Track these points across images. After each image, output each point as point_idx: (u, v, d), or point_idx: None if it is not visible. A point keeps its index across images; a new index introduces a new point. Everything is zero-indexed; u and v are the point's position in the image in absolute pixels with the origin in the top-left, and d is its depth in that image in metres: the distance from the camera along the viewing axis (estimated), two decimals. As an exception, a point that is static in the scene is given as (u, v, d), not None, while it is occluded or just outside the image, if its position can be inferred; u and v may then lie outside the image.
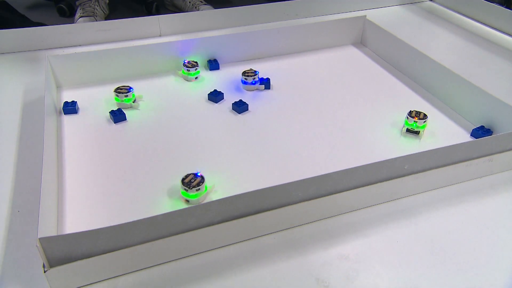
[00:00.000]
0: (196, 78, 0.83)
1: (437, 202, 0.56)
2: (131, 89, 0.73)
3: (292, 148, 0.65)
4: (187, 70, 0.82)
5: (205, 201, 0.54)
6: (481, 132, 0.65)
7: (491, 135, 0.65)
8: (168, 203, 0.55)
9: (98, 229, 0.42)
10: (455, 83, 0.72)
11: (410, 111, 0.67)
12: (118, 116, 0.70)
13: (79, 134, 0.67)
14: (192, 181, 0.54)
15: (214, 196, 0.56)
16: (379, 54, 0.92)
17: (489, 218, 0.54)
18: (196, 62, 0.83)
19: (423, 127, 0.66)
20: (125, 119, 0.71)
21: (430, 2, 1.27)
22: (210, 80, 0.83)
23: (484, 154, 0.57)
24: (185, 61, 0.82)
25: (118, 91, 0.73)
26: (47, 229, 0.45)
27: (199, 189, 0.54)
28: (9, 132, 0.68)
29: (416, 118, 0.65)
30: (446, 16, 1.16)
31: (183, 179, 0.54)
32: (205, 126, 0.70)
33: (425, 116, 0.66)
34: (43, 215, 0.44)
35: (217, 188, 0.57)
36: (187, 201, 0.55)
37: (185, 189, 0.54)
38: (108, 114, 0.71)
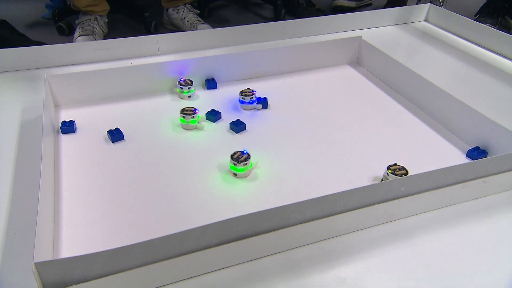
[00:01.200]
0: (189, 96, 0.84)
1: (434, 223, 0.56)
2: (197, 111, 0.74)
3: (290, 168, 0.65)
4: (181, 88, 0.83)
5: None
6: (476, 153, 0.66)
7: (486, 156, 0.66)
8: (169, 222, 0.55)
9: (94, 253, 0.41)
10: (450, 104, 0.73)
11: (389, 166, 0.61)
12: (115, 135, 0.70)
13: (77, 154, 0.67)
14: (240, 157, 0.62)
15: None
16: (375, 74, 0.94)
17: (486, 240, 0.54)
18: (191, 81, 0.84)
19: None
20: (123, 139, 0.71)
21: (424, 22, 1.29)
22: (207, 100, 0.84)
23: (479, 176, 0.57)
24: (181, 79, 0.84)
25: (184, 112, 0.73)
26: (43, 253, 0.45)
27: (246, 164, 0.62)
28: (6, 151, 0.68)
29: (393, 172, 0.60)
30: (440, 37, 1.18)
31: (232, 155, 0.62)
32: (203, 145, 0.70)
33: (404, 170, 0.60)
34: (39, 238, 0.44)
35: (212, 209, 0.57)
36: (235, 174, 0.62)
37: (233, 163, 0.61)
38: (106, 133, 0.72)
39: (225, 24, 1.68)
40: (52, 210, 0.56)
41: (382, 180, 0.61)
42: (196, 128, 0.74)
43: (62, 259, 0.41)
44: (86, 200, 0.58)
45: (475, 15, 1.62)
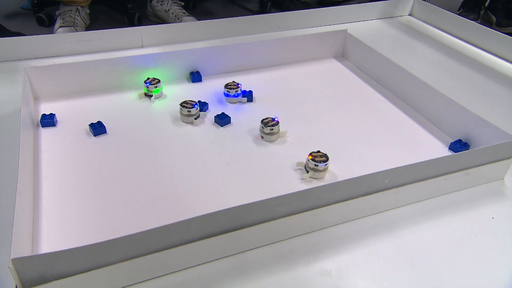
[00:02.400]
0: (156, 98, 0.79)
1: (417, 215, 0.56)
2: (196, 106, 0.72)
3: (275, 161, 0.65)
4: (148, 87, 0.78)
5: (234, 169, 0.63)
6: (458, 145, 0.67)
7: (468, 148, 0.67)
8: (145, 216, 0.54)
9: (74, 248, 0.41)
10: (433, 98, 0.74)
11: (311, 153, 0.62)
12: (98, 129, 0.69)
13: (57, 148, 0.66)
14: (270, 122, 0.68)
15: (244, 165, 0.64)
16: (360, 67, 0.94)
17: (467, 231, 0.54)
18: (158, 80, 0.80)
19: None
20: (105, 132, 0.70)
21: (409, 16, 1.30)
22: (192, 93, 0.83)
23: (461, 168, 0.58)
24: (147, 80, 0.79)
25: (183, 105, 0.72)
26: (21, 249, 0.44)
27: (272, 129, 0.68)
28: (-17, 146, 0.66)
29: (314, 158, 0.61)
30: (424, 30, 1.19)
31: (262, 120, 0.69)
32: (187, 139, 0.69)
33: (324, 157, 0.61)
34: (16, 234, 0.43)
35: (197, 203, 0.57)
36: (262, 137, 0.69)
37: (262, 126, 0.68)
38: (88, 126, 0.70)
39: (210, 16, 1.66)
40: (31, 206, 0.54)
41: (305, 167, 0.62)
42: (192, 123, 0.72)
43: (40, 254, 0.40)
44: (66, 195, 0.57)
45: (458, 9, 1.64)
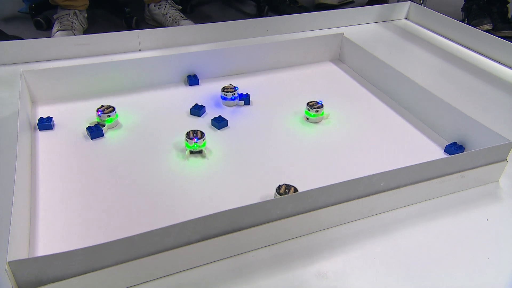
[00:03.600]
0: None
1: (412, 217, 0.57)
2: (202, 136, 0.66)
3: (271, 164, 0.65)
4: (100, 116, 0.70)
5: (232, 171, 0.64)
6: (454, 148, 0.67)
7: (463, 151, 0.67)
8: (150, 215, 0.54)
9: (71, 251, 0.41)
10: (428, 101, 0.74)
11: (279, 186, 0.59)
12: (95, 132, 0.69)
13: (54, 151, 0.66)
14: (315, 105, 0.74)
15: (241, 168, 0.65)
16: (357, 70, 0.94)
17: (462, 233, 0.55)
18: (113, 108, 0.71)
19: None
20: (103, 135, 0.70)
21: (405, 20, 1.31)
22: (189, 96, 0.83)
23: (456, 171, 0.59)
24: (100, 108, 0.70)
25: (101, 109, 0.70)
26: (18, 252, 0.44)
27: (318, 111, 0.73)
28: (-19, 149, 0.66)
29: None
30: (420, 34, 1.20)
31: (308, 103, 0.75)
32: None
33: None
34: (13, 237, 0.43)
35: (194, 206, 0.57)
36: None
37: (308, 109, 0.74)
38: (85, 130, 0.70)
39: (208, 20, 1.66)
40: (28, 208, 0.54)
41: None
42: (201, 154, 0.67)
43: (37, 257, 0.40)
44: (63, 198, 0.57)
45: (463, 19, 1.64)
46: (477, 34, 1.09)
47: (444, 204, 0.59)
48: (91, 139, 0.69)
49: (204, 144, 0.66)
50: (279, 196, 0.54)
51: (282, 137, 0.72)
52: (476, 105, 0.85)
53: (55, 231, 0.52)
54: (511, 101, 0.87)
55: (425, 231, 0.55)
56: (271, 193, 0.59)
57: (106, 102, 0.79)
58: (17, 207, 0.47)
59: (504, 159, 0.62)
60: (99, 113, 0.70)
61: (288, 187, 0.56)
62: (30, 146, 0.66)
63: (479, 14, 1.59)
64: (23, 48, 0.92)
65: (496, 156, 0.61)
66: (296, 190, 0.56)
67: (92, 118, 0.74)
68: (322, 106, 0.75)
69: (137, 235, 0.43)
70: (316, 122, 0.76)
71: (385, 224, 0.56)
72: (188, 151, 0.66)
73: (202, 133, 0.65)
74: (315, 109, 0.75)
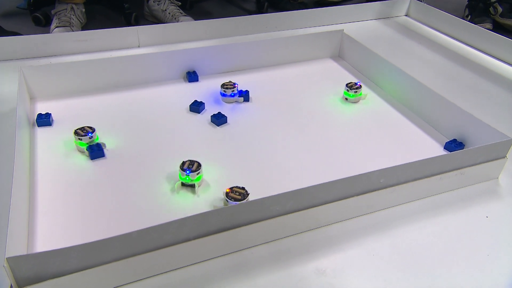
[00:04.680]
0: (91, 150, 0.62)
1: (412, 214, 0.57)
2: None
3: (271, 161, 0.65)
4: (78, 139, 0.63)
5: (232, 169, 0.63)
6: (453, 145, 0.67)
7: (463, 148, 0.67)
8: (150, 213, 0.54)
9: (69, 247, 0.41)
10: (428, 98, 0.74)
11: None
12: (95, 152, 0.63)
13: (53, 147, 0.66)
14: (353, 86, 0.78)
15: (241, 165, 0.64)
16: (356, 67, 0.94)
17: (462, 231, 0.55)
18: (92, 129, 0.64)
19: (360, 94, 0.81)
20: (103, 156, 0.64)
21: (405, 17, 1.31)
22: (189, 92, 0.83)
23: (456, 168, 0.59)
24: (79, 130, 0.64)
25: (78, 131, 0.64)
26: (16, 248, 0.44)
27: (356, 91, 0.78)
28: (-21, 145, 0.65)
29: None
30: (420, 31, 1.20)
31: (347, 84, 0.79)
32: (183, 139, 0.70)
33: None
34: (11, 233, 0.43)
35: (196, 201, 0.57)
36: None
37: (347, 89, 0.76)
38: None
39: (207, 16, 1.66)
40: (27, 205, 0.54)
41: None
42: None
43: (35, 253, 0.40)
44: (62, 194, 0.57)
45: (466, 16, 1.64)
46: (478, 31, 1.09)
47: (444, 201, 0.59)
48: (91, 159, 0.63)
49: (199, 178, 0.58)
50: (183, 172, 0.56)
51: (282, 134, 0.72)
52: (476, 102, 0.85)
53: (54, 228, 0.52)
54: (511, 98, 0.87)
55: (425, 228, 0.55)
56: (269, 189, 0.59)
57: (103, 98, 0.79)
58: (16, 203, 0.47)
59: (504, 156, 0.62)
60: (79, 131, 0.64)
61: (192, 162, 0.57)
62: (28, 142, 0.65)
63: (483, 13, 1.59)
64: (22, 44, 0.92)
65: (496, 153, 0.60)
66: (199, 165, 0.57)
67: (90, 115, 0.74)
68: (360, 86, 0.81)
69: (135, 231, 0.43)
70: (355, 102, 0.81)
71: (384, 221, 0.56)
72: (179, 182, 0.58)
73: (199, 165, 0.58)
74: (354, 90, 0.80)
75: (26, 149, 0.63)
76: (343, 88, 0.85)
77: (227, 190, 0.54)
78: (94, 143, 0.64)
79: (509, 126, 0.76)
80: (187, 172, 0.57)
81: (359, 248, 0.52)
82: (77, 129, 0.65)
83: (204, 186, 0.60)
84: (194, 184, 0.58)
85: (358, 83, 0.81)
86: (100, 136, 0.68)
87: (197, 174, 0.57)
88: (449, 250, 0.52)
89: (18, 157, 0.55)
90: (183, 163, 0.58)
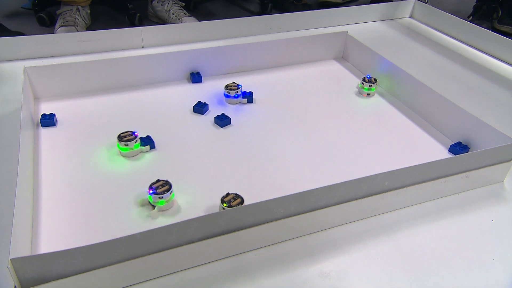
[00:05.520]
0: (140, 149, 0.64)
1: (416, 218, 0.56)
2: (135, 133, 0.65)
3: (275, 162, 0.65)
4: (125, 144, 0.63)
5: (235, 172, 0.62)
6: (458, 148, 0.67)
7: (468, 151, 0.67)
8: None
9: (74, 248, 0.41)
10: (433, 100, 0.74)
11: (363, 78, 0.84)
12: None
13: (57, 148, 0.66)
14: (366, 79, 0.79)
15: (245, 167, 0.63)
16: (361, 69, 0.94)
17: (466, 234, 0.54)
18: (134, 135, 0.64)
19: (374, 89, 0.84)
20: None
21: (409, 19, 1.30)
22: (192, 93, 0.83)
23: (461, 171, 0.58)
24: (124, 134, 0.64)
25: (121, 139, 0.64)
26: (20, 249, 0.44)
27: (371, 85, 0.79)
28: (-17, 145, 0.65)
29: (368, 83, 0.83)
30: (424, 33, 1.19)
31: (363, 78, 0.83)
32: (187, 140, 0.69)
33: (375, 80, 0.84)
34: (16, 234, 0.43)
35: (199, 204, 0.57)
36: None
37: (362, 83, 0.80)
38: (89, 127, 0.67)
39: (211, 17, 1.66)
40: (31, 206, 0.54)
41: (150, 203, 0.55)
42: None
43: (40, 254, 0.40)
44: (66, 195, 0.57)
45: (468, 16, 1.65)
46: (482, 33, 1.08)
47: (449, 204, 0.59)
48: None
49: (161, 203, 0.54)
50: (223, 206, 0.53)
51: (285, 135, 0.72)
52: (481, 104, 0.84)
53: (57, 228, 0.52)
54: (516, 101, 0.86)
55: (429, 231, 0.55)
56: (273, 191, 0.59)
57: (107, 99, 0.79)
58: (20, 204, 0.47)
59: (510, 160, 0.61)
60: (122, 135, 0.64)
61: (164, 184, 0.53)
62: (32, 143, 0.65)
63: (484, 17, 1.59)
64: (26, 44, 0.92)
65: (501, 156, 0.60)
66: (169, 189, 0.53)
67: (94, 115, 0.74)
68: (376, 81, 0.84)
69: (139, 233, 0.42)
70: (371, 96, 0.84)
71: (389, 224, 0.55)
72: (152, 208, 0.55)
73: (168, 189, 0.53)
74: (368, 83, 0.83)
75: (30, 149, 0.63)
76: (346, 90, 0.85)
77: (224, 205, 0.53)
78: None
79: (514, 129, 0.76)
80: (151, 192, 0.53)
81: (363, 251, 0.51)
82: (120, 134, 0.64)
83: (207, 188, 0.59)
84: (154, 206, 0.54)
85: (369, 76, 0.84)
86: (105, 137, 0.68)
87: (159, 198, 0.53)
88: (454, 254, 0.52)
89: (22, 158, 0.55)
90: (157, 181, 0.55)
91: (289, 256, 0.50)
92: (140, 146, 0.65)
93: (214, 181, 0.61)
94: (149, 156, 0.65)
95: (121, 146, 0.64)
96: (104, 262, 0.43)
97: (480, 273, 0.49)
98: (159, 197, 0.54)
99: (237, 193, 0.55)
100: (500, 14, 1.57)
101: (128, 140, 0.63)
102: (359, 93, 0.84)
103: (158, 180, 0.55)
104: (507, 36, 1.02)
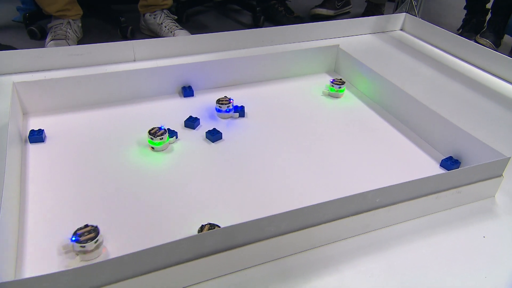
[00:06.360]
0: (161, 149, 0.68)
1: (408, 234, 0.56)
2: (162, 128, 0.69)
3: (267, 178, 0.65)
4: (152, 138, 0.68)
5: (223, 186, 0.62)
6: (449, 162, 0.67)
7: (459, 165, 0.67)
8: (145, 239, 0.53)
9: (59, 272, 0.40)
10: (424, 114, 0.74)
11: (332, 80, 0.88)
12: (35, 136, 0.68)
13: (45, 165, 0.65)
14: (157, 132, 0.68)
15: (235, 182, 0.55)
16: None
17: (458, 251, 0.54)
18: (165, 129, 0.69)
19: (342, 91, 0.88)
20: (43, 141, 0.68)
21: (400, 32, 1.32)
22: (184, 108, 0.82)
23: (452, 186, 0.58)
24: (152, 130, 0.68)
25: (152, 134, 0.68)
26: (4, 273, 0.43)
27: (162, 138, 0.68)
28: (-31, 162, 0.64)
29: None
30: (415, 46, 1.21)
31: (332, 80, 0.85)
32: (177, 155, 0.69)
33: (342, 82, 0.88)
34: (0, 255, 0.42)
35: (188, 222, 0.56)
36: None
37: (150, 138, 0.68)
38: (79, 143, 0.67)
39: (204, 30, 1.66)
40: (16, 225, 0.53)
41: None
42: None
43: (24, 279, 0.39)
44: (54, 214, 0.56)
45: (458, 29, 1.67)
46: (473, 47, 1.09)
47: (440, 220, 0.58)
48: (30, 142, 0.68)
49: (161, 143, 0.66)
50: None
51: (277, 150, 0.71)
52: (472, 119, 0.85)
53: (44, 250, 0.51)
54: (507, 115, 0.87)
55: (421, 248, 0.54)
56: (266, 209, 0.58)
57: (98, 114, 0.78)
58: (5, 223, 0.46)
59: (500, 175, 0.61)
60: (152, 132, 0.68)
61: (212, 226, 0.52)
62: (20, 159, 0.64)
63: (472, 30, 1.62)
64: (16, 58, 0.91)
65: (492, 171, 0.60)
66: (95, 237, 0.49)
67: (84, 131, 0.73)
68: (344, 82, 0.88)
69: (126, 255, 0.42)
70: (337, 97, 0.88)
71: (381, 241, 0.55)
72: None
73: (95, 236, 0.50)
74: (337, 85, 0.87)
75: (17, 166, 0.62)
76: (340, 105, 0.85)
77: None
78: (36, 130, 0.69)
79: (505, 143, 0.76)
80: (74, 239, 0.48)
81: (355, 269, 0.51)
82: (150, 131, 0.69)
83: (198, 203, 0.59)
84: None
85: (332, 81, 0.88)
86: (95, 152, 0.68)
87: (81, 246, 0.48)
88: (446, 270, 0.51)
89: (9, 175, 0.54)
90: (85, 226, 0.50)
91: (281, 275, 0.49)
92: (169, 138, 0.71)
93: (205, 196, 0.60)
94: (139, 173, 0.64)
95: (155, 142, 0.68)
96: (89, 286, 0.42)
97: (473, 291, 0.49)
98: (80, 246, 0.49)
99: (215, 223, 0.53)
100: (485, 28, 1.60)
101: (161, 134, 0.68)
102: (329, 96, 0.89)
103: (86, 226, 0.51)
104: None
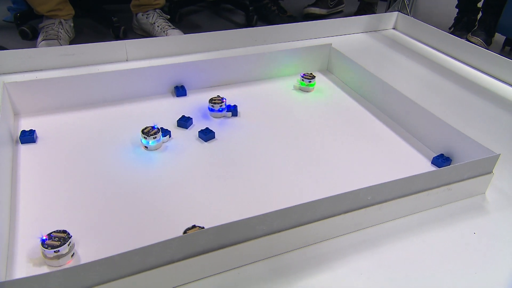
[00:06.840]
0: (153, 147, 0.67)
1: (399, 231, 0.56)
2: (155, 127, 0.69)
3: (259, 177, 0.65)
4: (145, 137, 0.69)
5: (218, 185, 0.62)
6: (441, 160, 0.67)
7: (450, 163, 0.68)
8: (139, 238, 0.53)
9: (49, 273, 0.39)
10: (416, 112, 0.74)
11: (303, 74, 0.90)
12: (27, 137, 0.68)
13: (37, 165, 0.64)
14: (150, 131, 0.68)
15: (228, 181, 0.55)
16: (345, 81, 0.95)
17: (449, 247, 0.55)
18: (158, 129, 0.69)
19: (312, 85, 0.90)
20: (35, 141, 0.69)
21: (393, 30, 1.32)
22: (177, 107, 0.82)
23: (443, 184, 0.59)
24: (147, 129, 0.68)
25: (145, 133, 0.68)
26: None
27: (310, 81, 0.82)
28: (-41, 164, 0.64)
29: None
30: (408, 44, 1.21)
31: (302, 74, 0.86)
32: (170, 154, 0.69)
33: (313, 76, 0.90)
34: (-11, 258, 0.41)
35: (180, 222, 0.56)
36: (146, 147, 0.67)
37: (144, 137, 0.68)
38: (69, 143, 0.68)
39: (196, 30, 1.66)
40: (7, 226, 0.53)
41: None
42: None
43: (15, 280, 0.38)
44: (45, 216, 0.56)
45: (449, 28, 1.68)
46: (464, 45, 1.10)
47: (431, 217, 0.59)
48: (21, 143, 0.68)
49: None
50: None
51: (270, 149, 0.71)
52: (463, 117, 0.85)
53: (35, 251, 0.50)
54: (498, 112, 0.88)
55: (412, 245, 0.54)
56: (259, 207, 0.58)
57: (90, 114, 0.78)
58: (-6, 226, 0.46)
59: (490, 172, 0.62)
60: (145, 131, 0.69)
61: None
62: (11, 160, 0.64)
63: (464, 28, 1.63)
64: (7, 58, 0.91)
65: (482, 168, 0.61)
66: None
67: (76, 131, 0.73)
68: (314, 77, 0.90)
69: (117, 255, 0.42)
70: (307, 91, 0.89)
71: (373, 238, 0.55)
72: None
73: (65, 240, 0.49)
74: (308, 79, 0.89)
75: (8, 167, 0.61)
76: (331, 103, 0.85)
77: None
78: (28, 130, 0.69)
79: (495, 141, 0.77)
80: (43, 239, 0.48)
81: (347, 266, 0.51)
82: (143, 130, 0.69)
83: (189, 204, 0.59)
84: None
85: (303, 75, 0.90)
86: (87, 152, 0.67)
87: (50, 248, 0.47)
88: (437, 267, 0.52)
89: (0, 175, 0.53)
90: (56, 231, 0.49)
91: (273, 273, 0.50)
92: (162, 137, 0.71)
93: (198, 195, 0.60)
94: (132, 173, 0.64)
95: (150, 141, 0.68)
96: (81, 285, 0.42)
97: (463, 287, 0.49)
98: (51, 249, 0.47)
99: (201, 225, 0.53)
100: (476, 27, 1.61)
101: (154, 134, 0.68)
102: (300, 90, 0.90)
103: (57, 231, 0.50)
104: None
